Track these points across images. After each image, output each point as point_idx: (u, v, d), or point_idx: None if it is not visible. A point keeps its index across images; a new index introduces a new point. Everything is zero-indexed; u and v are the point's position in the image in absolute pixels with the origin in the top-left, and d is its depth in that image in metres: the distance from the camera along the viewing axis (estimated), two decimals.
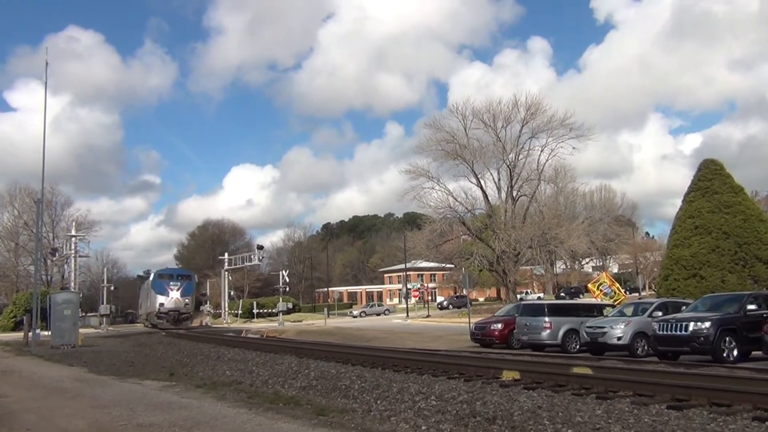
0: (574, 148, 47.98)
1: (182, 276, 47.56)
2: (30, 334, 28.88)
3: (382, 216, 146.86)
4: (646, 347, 18.02)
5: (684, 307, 18.64)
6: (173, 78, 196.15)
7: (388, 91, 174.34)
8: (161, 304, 43.87)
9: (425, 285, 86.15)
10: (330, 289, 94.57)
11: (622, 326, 18.57)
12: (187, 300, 45.19)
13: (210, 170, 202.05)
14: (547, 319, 21.55)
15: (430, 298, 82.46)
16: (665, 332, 16.28)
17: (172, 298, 44.02)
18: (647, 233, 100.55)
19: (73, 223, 62.78)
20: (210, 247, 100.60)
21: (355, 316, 68.63)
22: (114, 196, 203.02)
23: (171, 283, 44.85)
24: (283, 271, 63.61)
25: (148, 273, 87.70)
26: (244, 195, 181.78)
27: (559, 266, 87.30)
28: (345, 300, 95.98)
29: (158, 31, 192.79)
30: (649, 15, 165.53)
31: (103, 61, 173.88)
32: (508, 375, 11.52)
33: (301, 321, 61.97)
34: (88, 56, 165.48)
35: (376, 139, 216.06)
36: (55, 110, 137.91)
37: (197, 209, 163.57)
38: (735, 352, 15.39)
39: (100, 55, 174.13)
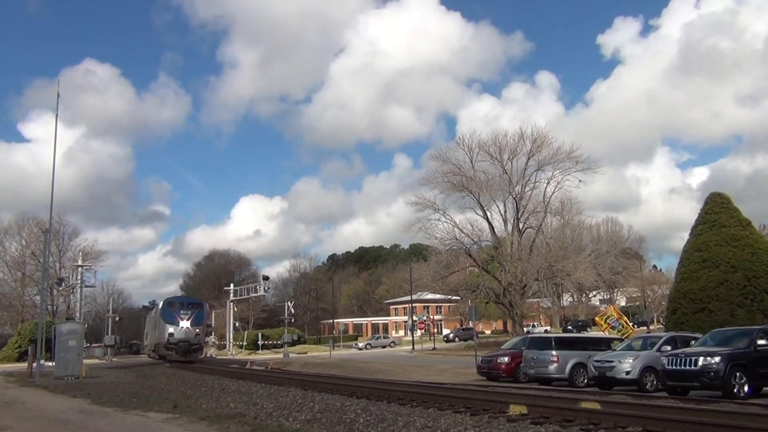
0: (580, 180, 47.98)
1: (193, 304, 44.57)
2: (34, 364, 28.79)
3: (388, 247, 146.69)
4: (655, 382, 17.80)
5: (693, 342, 18.43)
6: (186, 111, 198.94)
7: (397, 124, 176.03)
8: (170, 334, 41.07)
9: (431, 317, 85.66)
10: (335, 320, 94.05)
11: (631, 360, 18.37)
12: (197, 330, 42.33)
13: (219, 200, 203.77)
14: (554, 352, 21.34)
15: (436, 330, 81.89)
16: (674, 367, 16.08)
17: (182, 327, 41.25)
18: (655, 266, 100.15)
19: (80, 253, 63.04)
20: (215, 277, 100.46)
21: (360, 348, 68.12)
22: (123, 226, 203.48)
23: (181, 311, 41.96)
24: (289, 302, 63.45)
25: (153, 303, 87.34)
26: (252, 225, 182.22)
27: (566, 299, 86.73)
28: (350, 332, 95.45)
29: (173, 65, 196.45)
30: (656, 51, 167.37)
31: (118, 94, 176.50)
32: (515, 409, 11.38)
33: (306, 353, 61.60)
34: (104, 89, 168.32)
35: (384, 171, 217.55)
36: (69, 142, 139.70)
37: (205, 239, 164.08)
38: (746, 388, 15.16)
39: (115, 88, 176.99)
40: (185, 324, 41.27)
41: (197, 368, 32.65)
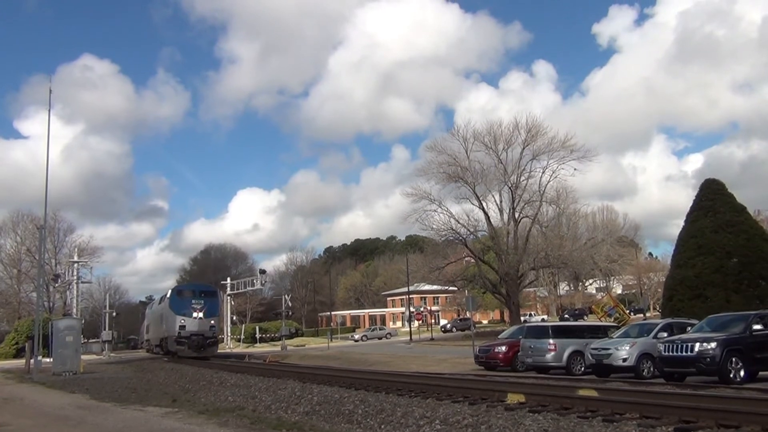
0: (575, 169, 47.90)
1: (206, 293, 39.94)
2: (32, 361, 28.76)
3: (385, 239, 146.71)
4: (651, 368, 17.87)
5: (689, 328, 18.51)
6: (185, 106, 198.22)
7: (395, 116, 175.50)
8: (182, 327, 36.60)
9: (428, 308, 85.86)
10: (333, 312, 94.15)
11: (628, 348, 18.44)
12: (212, 321, 37.92)
13: (217, 195, 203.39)
14: (551, 341, 21.42)
15: (433, 321, 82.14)
16: (671, 353, 16.15)
17: (195, 319, 36.82)
18: (651, 254, 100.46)
19: (76, 249, 62.84)
20: (212, 271, 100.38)
21: (356, 341, 68.19)
22: (121, 221, 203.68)
23: (193, 301, 37.54)
24: (286, 296, 63.48)
25: (150, 298, 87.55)
26: (250, 219, 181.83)
27: (563, 288, 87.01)
28: (348, 324, 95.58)
29: (171, 61, 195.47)
30: (652, 39, 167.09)
31: (117, 90, 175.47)
32: (513, 398, 11.41)
33: (304, 345, 61.70)
34: (102, 85, 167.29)
35: (382, 163, 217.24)
36: (67, 138, 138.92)
37: (203, 234, 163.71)
38: (742, 373, 15.24)
39: (114, 84, 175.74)
40: (198, 315, 37.17)
41: (195, 363, 32.54)
